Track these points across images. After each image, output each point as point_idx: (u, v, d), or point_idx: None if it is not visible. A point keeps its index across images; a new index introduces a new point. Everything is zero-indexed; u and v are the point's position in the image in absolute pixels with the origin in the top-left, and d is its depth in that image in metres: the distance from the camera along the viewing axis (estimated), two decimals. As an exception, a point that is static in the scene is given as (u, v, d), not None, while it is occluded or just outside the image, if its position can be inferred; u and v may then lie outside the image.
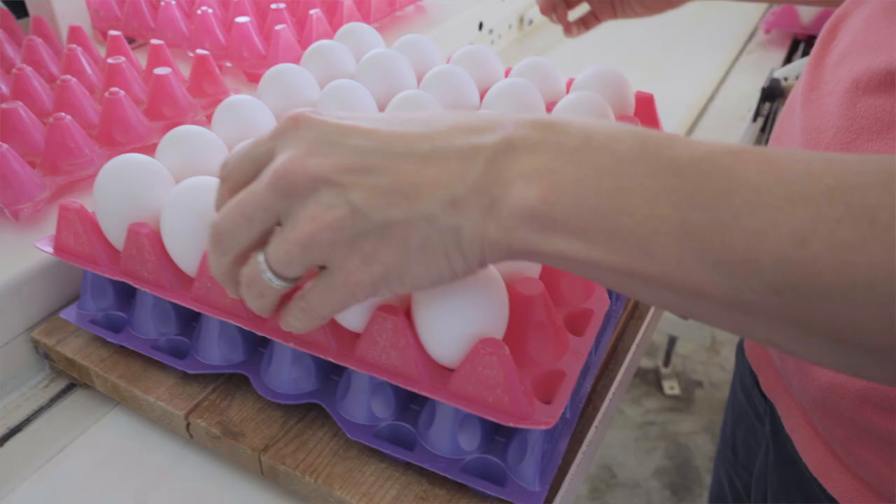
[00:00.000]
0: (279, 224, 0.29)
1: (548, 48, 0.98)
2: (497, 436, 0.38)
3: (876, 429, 0.39)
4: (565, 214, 0.25)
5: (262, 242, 0.29)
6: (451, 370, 0.35)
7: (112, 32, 0.66)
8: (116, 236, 0.41)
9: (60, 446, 0.44)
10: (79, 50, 0.63)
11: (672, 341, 1.71)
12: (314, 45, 0.55)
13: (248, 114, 0.47)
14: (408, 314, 0.35)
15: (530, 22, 1.03)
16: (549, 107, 0.50)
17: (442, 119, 0.28)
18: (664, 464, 1.58)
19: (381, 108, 0.50)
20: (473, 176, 0.26)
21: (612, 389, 0.43)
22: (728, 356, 1.86)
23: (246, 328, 0.38)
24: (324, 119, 0.28)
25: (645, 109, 0.53)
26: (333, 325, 0.36)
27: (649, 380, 1.77)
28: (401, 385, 0.34)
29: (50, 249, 0.43)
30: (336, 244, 0.27)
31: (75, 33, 0.68)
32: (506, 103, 0.49)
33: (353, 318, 0.35)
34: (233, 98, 0.48)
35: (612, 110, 0.47)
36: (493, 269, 0.33)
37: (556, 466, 0.36)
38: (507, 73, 0.56)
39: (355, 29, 0.59)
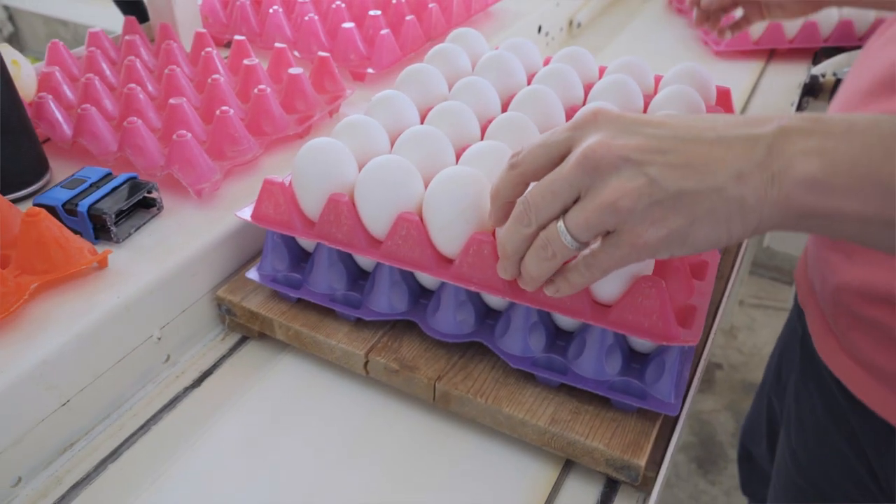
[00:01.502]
0: (577, 200, 0.35)
1: (595, 48, 1.07)
2: (633, 363, 0.47)
3: (867, 317, 0.51)
4: (843, 180, 0.31)
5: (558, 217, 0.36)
6: (607, 305, 0.43)
7: (237, 37, 0.75)
8: (311, 206, 0.50)
9: (248, 386, 0.53)
10: (214, 53, 0.72)
11: (694, 325, 1.80)
12: (436, 47, 0.64)
13: (397, 105, 0.56)
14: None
15: (578, 24, 1.12)
16: (646, 100, 0.60)
17: (718, 117, 0.35)
18: (689, 440, 1.67)
19: (503, 102, 0.59)
20: (757, 156, 0.32)
21: (714, 327, 0.52)
22: (745, 340, 1.96)
23: (432, 274, 0.47)
24: (620, 114, 0.35)
25: (723, 101, 0.62)
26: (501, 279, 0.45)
27: (671, 363, 1.86)
28: (571, 317, 0.43)
29: (248, 217, 0.52)
30: (632, 211, 0.33)
31: (201, 38, 0.76)
32: (610, 97, 0.58)
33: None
34: (385, 93, 0.56)
35: (702, 101, 0.56)
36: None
37: (685, 384, 0.45)
38: (601, 72, 0.65)
39: (463, 33, 0.67)
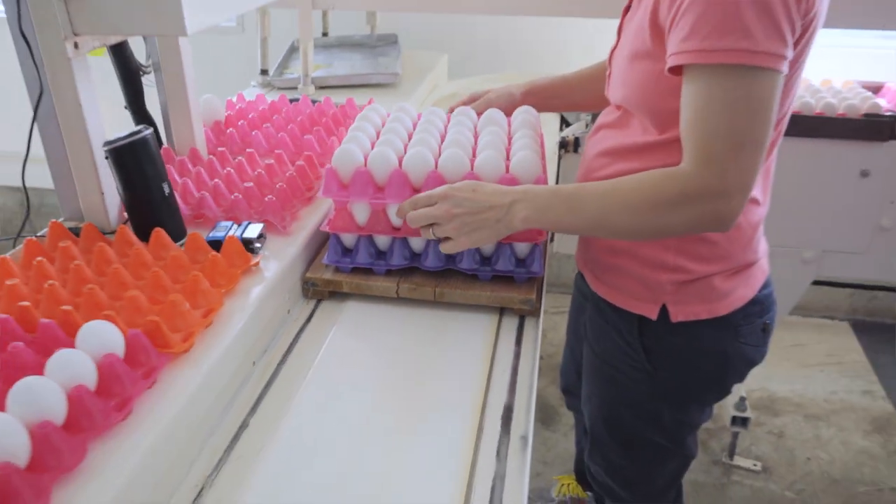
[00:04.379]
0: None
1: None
2: (519, 260, 1.05)
3: (607, 262, 1.11)
4: (535, 220, 0.92)
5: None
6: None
7: (248, 150, 1.26)
8: (360, 217, 1.03)
9: (333, 321, 1.03)
10: (242, 159, 1.22)
11: (517, 329, 2.46)
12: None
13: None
14: (487, 219, 1.02)
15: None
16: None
17: (496, 192, 0.95)
18: (532, 408, 2.29)
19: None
20: (501, 213, 0.92)
21: (550, 238, 1.13)
22: (552, 337, 2.65)
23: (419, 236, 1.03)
24: (456, 194, 0.94)
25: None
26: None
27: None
28: (491, 243, 1.01)
29: (327, 229, 1.04)
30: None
31: (221, 155, 1.26)
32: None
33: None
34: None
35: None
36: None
37: (543, 264, 1.05)
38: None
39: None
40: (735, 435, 2.04)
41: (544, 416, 2.26)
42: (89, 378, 0.70)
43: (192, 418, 0.77)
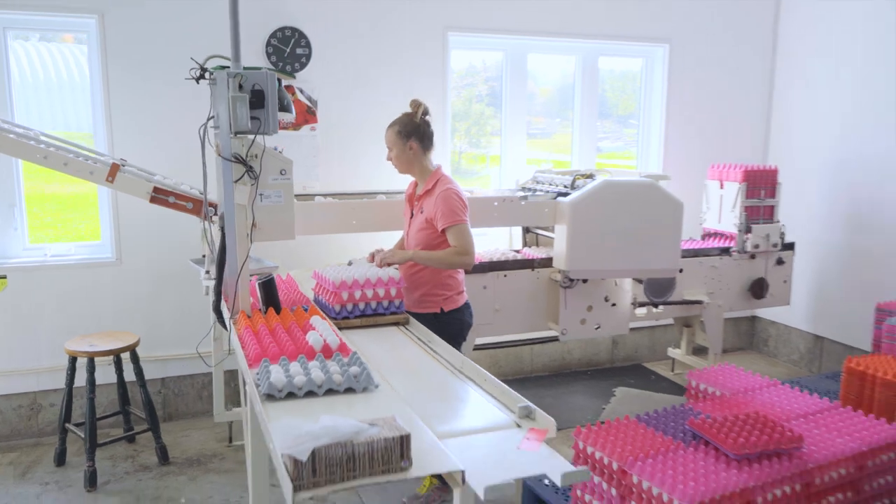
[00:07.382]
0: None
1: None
2: (396, 307, 2.94)
3: (420, 300, 3.27)
4: (420, 259, 3.12)
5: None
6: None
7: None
8: (345, 297, 2.84)
9: (358, 335, 2.78)
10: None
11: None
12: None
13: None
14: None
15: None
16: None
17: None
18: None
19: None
20: (407, 255, 3.14)
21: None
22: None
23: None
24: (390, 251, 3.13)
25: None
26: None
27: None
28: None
29: (336, 303, 2.81)
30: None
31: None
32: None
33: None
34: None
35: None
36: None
37: (404, 305, 2.96)
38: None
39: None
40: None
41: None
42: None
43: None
